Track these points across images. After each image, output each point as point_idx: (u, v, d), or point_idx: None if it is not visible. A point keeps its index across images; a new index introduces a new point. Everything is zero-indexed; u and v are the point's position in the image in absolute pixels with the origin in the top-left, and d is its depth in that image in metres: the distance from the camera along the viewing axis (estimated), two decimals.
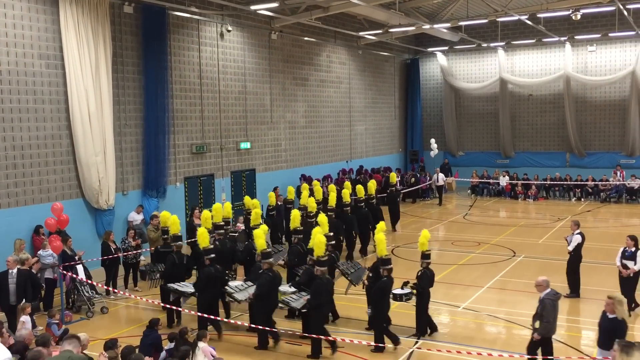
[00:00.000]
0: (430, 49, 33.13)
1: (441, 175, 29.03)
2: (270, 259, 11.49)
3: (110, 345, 8.36)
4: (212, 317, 11.25)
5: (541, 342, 9.38)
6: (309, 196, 17.54)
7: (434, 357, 10.26)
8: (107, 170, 16.39)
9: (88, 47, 15.76)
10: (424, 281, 11.15)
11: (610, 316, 8.45)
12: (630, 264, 12.36)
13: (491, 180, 30.73)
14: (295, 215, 14.19)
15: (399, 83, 33.76)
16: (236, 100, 21.71)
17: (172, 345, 9.88)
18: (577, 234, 13.90)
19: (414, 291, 11.25)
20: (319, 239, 11.19)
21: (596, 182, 28.17)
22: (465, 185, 31.46)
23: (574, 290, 13.77)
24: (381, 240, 11.25)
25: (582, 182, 28.55)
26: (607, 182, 27.84)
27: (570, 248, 13.80)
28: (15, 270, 11.53)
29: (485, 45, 30.90)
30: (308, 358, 10.42)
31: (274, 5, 19.06)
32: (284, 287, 11.69)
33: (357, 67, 29.40)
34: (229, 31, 21.10)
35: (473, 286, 14.64)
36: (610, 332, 8.19)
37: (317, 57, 26.34)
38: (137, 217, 17.41)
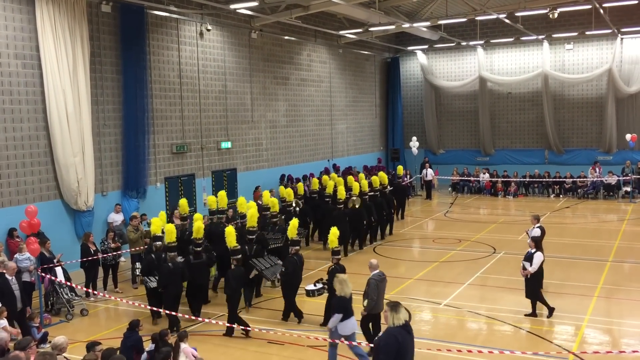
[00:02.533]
0: (410, 48, 33.29)
1: (430, 171, 29.39)
2: (239, 256, 12.21)
3: (90, 347, 8.28)
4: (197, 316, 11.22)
5: (370, 318, 10.33)
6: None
7: (415, 354, 10.28)
8: (86, 171, 16.22)
9: (65, 46, 15.57)
10: (332, 277, 11.10)
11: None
12: (527, 265, 12.06)
13: (471, 178, 30.98)
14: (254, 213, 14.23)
15: (379, 82, 33.88)
16: (216, 100, 21.62)
17: (153, 346, 9.81)
18: (537, 227, 14.10)
19: (326, 286, 11.81)
20: (292, 224, 13.18)
21: (574, 179, 28.54)
22: (446, 183, 31.68)
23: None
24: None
25: (561, 179, 28.92)
26: (585, 179, 28.22)
27: (529, 240, 12.93)
28: None
29: (464, 43, 31.14)
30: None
31: (254, 4, 18.99)
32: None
33: (337, 66, 29.44)
34: (208, 30, 20.99)
35: (454, 283, 14.74)
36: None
37: (298, 56, 26.33)
38: (117, 218, 17.26)
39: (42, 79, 15.36)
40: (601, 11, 24.44)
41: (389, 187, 21.90)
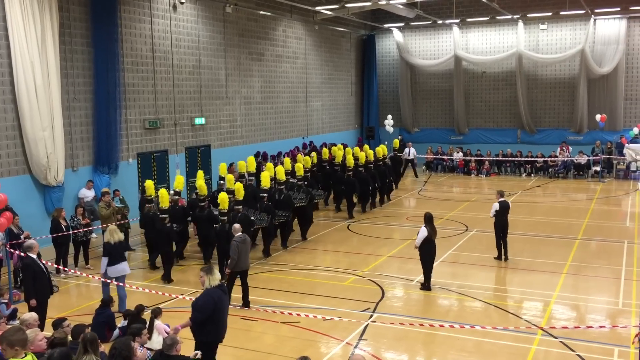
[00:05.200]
0: (386, 25, 33.14)
1: (412, 150, 29.52)
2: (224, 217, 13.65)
3: (57, 324, 8.15)
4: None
5: (235, 275, 11.51)
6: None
7: (388, 330, 10.42)
8: (56, 146, 15.89)
9: (33, 17, 15.11)
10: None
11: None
12: None
13: (445, 157, 31.20)
14: (239, 186, 15.08)
15: (355, 59, 33.73)
16: (190, 75, 21.29)
17: (125, 322, 9.75)
18: (499, 202, 14.67)
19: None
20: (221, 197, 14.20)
21: (545, 159, 28.95)
22: (420, 162, 31.85)
23: (499, 255, 14.70)
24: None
25: (532, 159, 29.30)
26: (556, 158, 28.64)
27: (491, 215, 14.66)
28: None
29: (440, 22, 31.10)
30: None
31: None
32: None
33: (313, 43, 29.19)
34: (181, 3, 20.57)
35: None
36: None
37: (273, 31, 26.01)
38: (88, 194, 16.99)
39: (9, 51, 14.93)
40: None
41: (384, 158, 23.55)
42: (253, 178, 17.80)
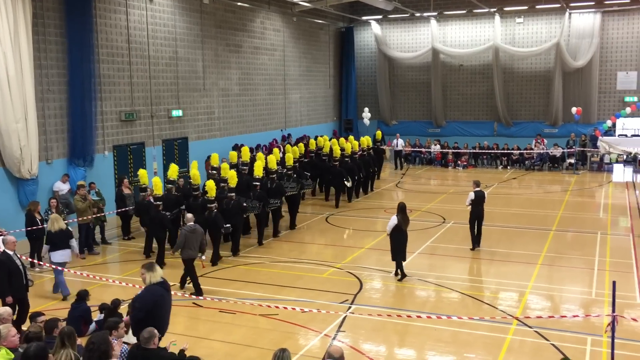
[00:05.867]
0: (364, 18, 33.14)
1: (400, 141, 29.61)
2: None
3: (32, 318, 8.06)
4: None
5: (191, 263, 12.05)
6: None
7: (366, 321, 10.49)
8: (29, 138, 15.60)
9: (5, 7, 14.77)
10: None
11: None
12: None
13: (423, 149, 31.39)
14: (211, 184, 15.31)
15: (333, 51, 33.67)
16: (167, 67, 21.06)
17: (102, 316, 9.67)
18: (475, 191, 14.99)
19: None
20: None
21: (521, 151, 29.29)
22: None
23: (473, 246, 15.02)
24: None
25: (508, 151, 29.63)
26: (532, 151, 28.99)
27: (466, 203, 15.04)
28: None
29: (418, 15, 31.19)
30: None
31: None
32: None
33: (291, 35, 29.07)
34: None
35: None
36: None
37: (251, 23, 25.84)
38: (63, 187, 16.74)
39: None
40: None
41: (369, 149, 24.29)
42: (215, 172, 17.96)
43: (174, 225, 15.36)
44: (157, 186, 14.93)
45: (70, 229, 12.67)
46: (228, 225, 14.55)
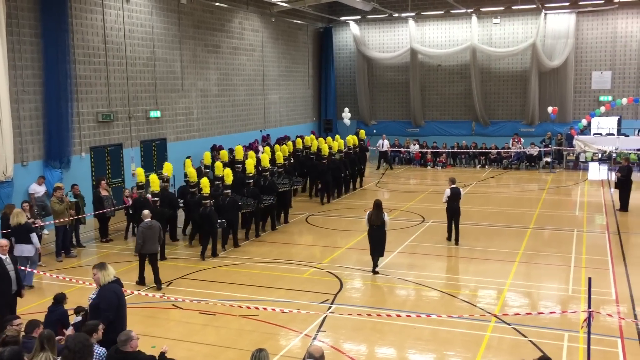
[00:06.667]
0: (343, 18, 33.22)
1: (386, 142, 29.69)
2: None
3: (6, 322, 7.90)
4: None
5: (143, 257, 12.42)
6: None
7: (346, 321, 10.51)
8: (4, 140, 15.38)
9: None
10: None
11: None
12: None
13: (402, 149, 31.54)
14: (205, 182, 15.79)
15: (312, 52, 33.70)
16: (144, 67, 20.89)
17: (79, 318, 9.54)
18: (451, 188, 15.50)
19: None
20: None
21: (499, 150, 29.59)
22: (377, 154, 32.08)
23: (449, 236, 15.68)
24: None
25: (486, 150, 29.93)
26: (509, 150, 29.31)
27: (443, 200, 15.65)
28: None
29: (396, 15, 31.36)
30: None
31: None
32: None
33: (270, 35, 29.02)
34: None
35: (384, 251, 15.02)
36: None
37: (229, 23, 25.75)
38: (39, 189, 16.51)
39: None
40: None
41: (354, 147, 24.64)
42: (209, 170, 18.62)
43: (171, 224, 16.13)
44: (155, 183, 15.44)
45: (29, 222, 12.65)
46: (223, 220, 14.84)
